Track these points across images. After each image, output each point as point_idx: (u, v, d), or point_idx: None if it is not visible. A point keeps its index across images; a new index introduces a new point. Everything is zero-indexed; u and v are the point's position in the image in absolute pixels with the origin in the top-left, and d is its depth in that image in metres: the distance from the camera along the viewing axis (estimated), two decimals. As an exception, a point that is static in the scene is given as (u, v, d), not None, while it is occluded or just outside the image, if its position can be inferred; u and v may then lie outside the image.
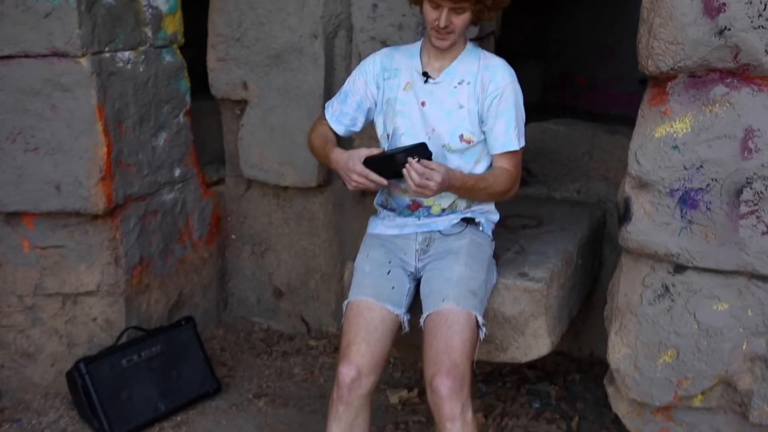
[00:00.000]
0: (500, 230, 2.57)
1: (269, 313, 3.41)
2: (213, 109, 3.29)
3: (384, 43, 2.87)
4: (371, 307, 2.06)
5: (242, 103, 3.13)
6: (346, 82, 2.29)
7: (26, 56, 2.52)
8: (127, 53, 2.72)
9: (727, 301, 1.98)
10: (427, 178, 1.96)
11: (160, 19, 2.87)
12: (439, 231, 2.20)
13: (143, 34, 2.79)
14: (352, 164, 2.05)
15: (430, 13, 2.07)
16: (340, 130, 2.28)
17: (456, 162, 2.16)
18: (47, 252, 2.72)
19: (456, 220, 2.21)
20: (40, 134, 2.58)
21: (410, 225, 2.22)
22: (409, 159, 1.98)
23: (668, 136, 1.95)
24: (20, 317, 2.78)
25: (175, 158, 3.00)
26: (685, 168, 1.94)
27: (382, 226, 2.26)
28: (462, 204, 2.22)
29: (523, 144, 2.18)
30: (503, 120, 2.13)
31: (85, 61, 2.53)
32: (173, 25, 2.95)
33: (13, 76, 2.54)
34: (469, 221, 2.22)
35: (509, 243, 2.51)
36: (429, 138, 2.15)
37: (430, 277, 2.13)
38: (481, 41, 2.91)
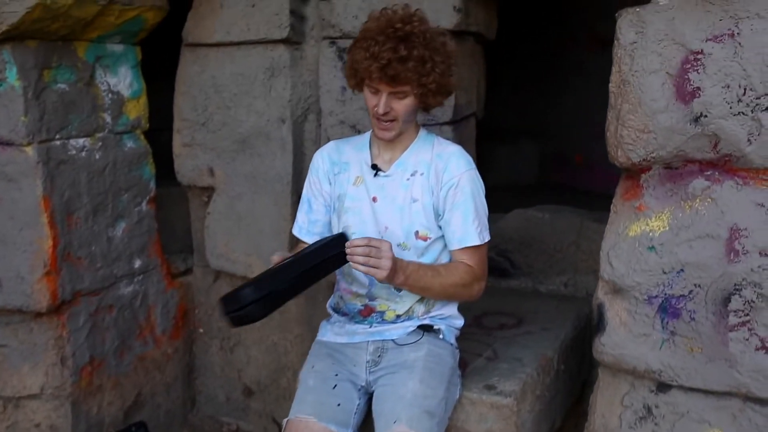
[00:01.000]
0: (474, 331, 2.34)
1: (239, 413, 3.16)
2: (184, 196, 3.13)
3: (353, 127, 2.71)
4: (312, 427, 1.82)
5: (209, 190, 2.97)
6: (304, 189, 2.11)
7: (-30, 145, 2.40)
8: (81, 140, 2.58)
9: (720, 426, 1.70)
10: (375, 248, 1.75)
11: (121, 105, 2.75)
12: (393, 340, 1.97)
13: (101, 119, 2.66)
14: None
15: (370, 99, 1.91)
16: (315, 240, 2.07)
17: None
18: (-11, 351, 2.53)
19: (412, 328, 1.97)
20: (-18, 226, 2.43)
21: (361, 333, 1.99)
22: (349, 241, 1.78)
23: (644, 236, 1.72)
24: (-42, 422, 2.57)
25: (135, 249, 2.82)
26: (664, 272, 1.70)
27: (331, 332, 2.04)
28: (420, 309, 1.99)
29: (486, 239, 1.96)
30: (460, 212, 1.92)
31: (30, 150, 2.39)
32: (137, 110, 2.82)
33: (-44, 167, 2.41)
34: (427, 329, 1.98)
35: (481, 347, 2.27)
36: (382, 236, 1.94)
37: (382, 394, 1.88)
38: (458, 124, 2.73)
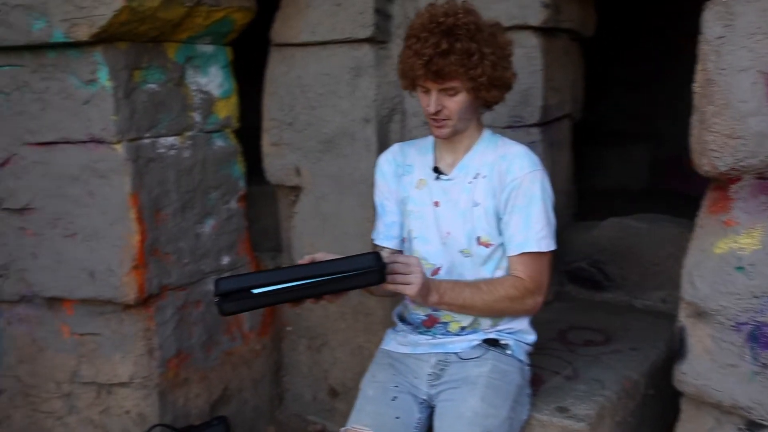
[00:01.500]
0: (556, 346, 2.20)
1: (325, 413, 3.15)
2: (275, 195, 3.15)
3: (439, 128, 2.62)
4: (369, 439, 1.76)
5: (296, 190, 2.97)
6: (374, 195, 2.06)
7: (67, 142, 2.51)
8: (170, 139, 2.64)
9: (816, 475, 1.49)
10: (402, 263, 1.66)
11: (211, 104, 2.79)
12: (456, 353, 1.87)
13: (191, 118, 2.72)
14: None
15: (422, 99, 1.83)
16: (395, 244, 2.01)
17: (475, 271, 1.85)
18: (85, 339, 2.65)
19: (476, 341, 1.86)
20: (78, 220, 2.54)
21: (423, 344, 1.90)
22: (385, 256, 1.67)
23: (731, 254, 1.53)
24: (58, 404, 2.71)
25: (223, 246, 2.87)
26: (755, 296, 1.51)
27: (395, 342, 1.97)
28: (486, 321, 1.88)
29: (548, 248, 1.81)
30: (520, 215, 1.80)
31: (120, 148, 2.47)
32: (227, 110, 2.86)
33: (55, 162, 2.52)
34: (492, 343, 1.87)
35: (561, 364, 2.12)
36: (444, 243, 1.85)
37: (442, 410, 1.79)
38: (547, 126, 2.58)
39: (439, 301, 1.76)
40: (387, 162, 2.01)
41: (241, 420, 3.01)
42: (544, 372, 2.05)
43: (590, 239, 2.56)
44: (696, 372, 1.58)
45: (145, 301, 2.58)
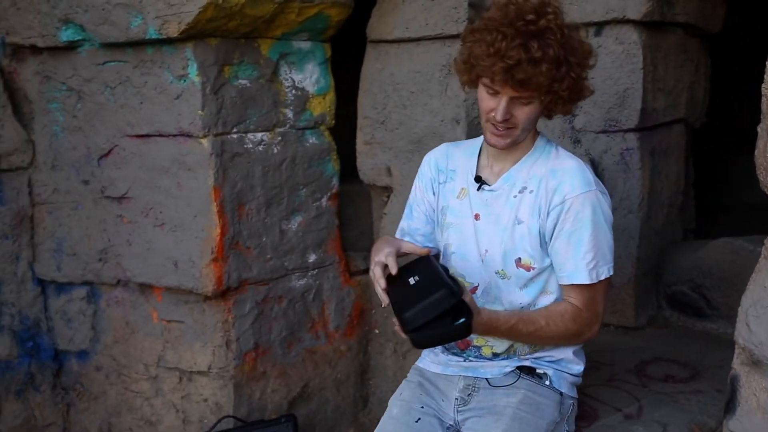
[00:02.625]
0: (629, 378, 1.98)
1: (409, 422, 3.05)
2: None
3: (528, 131, 2.44)
4: (387, 460, 1.65)
5: (388, 190, 2.90)
6: (411, 192, 1.93)
7: (160, 135, 2.60)
8: (259, 134, 2.67)
9: None
10: None
11: (305, 101, 2.79)
12: (487, 379, 1.70)
13: (282, 115, 2.73)
14: (377, 275, 1.66)
15: (487, 102, 1.62)
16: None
17: (513, 294, 1.67)
18: (171, 326, 2.75)
19: (510, 368, 1.69)
20: (167, 211, 2.63)
21: (454, 365, 1.76)
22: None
23: (796, 294, 1.26)
24: (146, 385, 2.84)
25: (310, 243, 2.86)
26: (819, 347, 1.23)
27: (428, 359, 1.84)
28: (524, 348, 1.70)
29: (601, 276, 1.60)
30: (570, 241, 1.60)
31: (206, 142, 2.53)
32: (322, 107, 2.84)
33: (149, 154, 2.63)
34: (528, 371, 1.68)
35: (627, 400, 1.89)
36: (482, 261, 1.69)
37: (466, 441, 1.65)
38: (649, 131, 2.32)
39: (499, 336, 1.62)
40: (428, 165, 1.87)
41: (321, 419, 2.99)
42: (603, 408, 1.83)
43: (695, 261, 2.26)
44: (745, 429, 1.32)
45: (223, 293, 2.63)
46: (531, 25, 1.53)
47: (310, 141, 2.83)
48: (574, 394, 1.74)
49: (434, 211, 1.84)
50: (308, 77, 2.81)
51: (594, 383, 1.98)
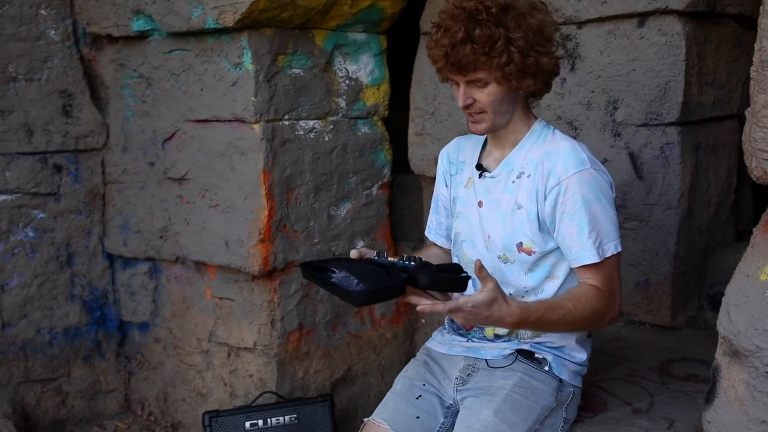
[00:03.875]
0: (650, 376, 1.93)
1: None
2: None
3: (570, 124, 2.42)
4: (384, 435, 1.69)
5: (436, 181, 2.92)
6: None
7: (217, 120, 2.74)
8: (311, 122, 2.76)
9: None
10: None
11: (358, 91, 2.86)
12: (486, 360, 1.71)
13: (334, 104, 2.81)
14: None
15: (456, 93, 1.70)
16: (445, 243, 1.94)
17: (519, 278, 1.68)
18: (222, 303, 2.88)
19: (509, 351, 1.69)
20: (221, 192, 2.77)
21: (457, 345, 1.78)
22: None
23: (778, 283, 1.21)
24: (198, 359, 2.99)
25: (358, 230, 2.93)
26: (798, 339, 1.18)
27: (436, 339, 1.86)
28: (526, 332, 1.70)
29: (609, 253, 1.59)
30: (572, 223, 1.60)
31: (258, 128, 2.64)
32: (375, 97, 2.91)
33: (207, 138, 2.78)
34: (527, 355, 1.68)
35: (641, 395, 1.85)
36: (487, 247, 1.71)
37: (459, 419, 1.67)
38: (692, 126, 2.26)
39: (531, 327, 1.62)
40: (441, 159, 1.93)
41: (364, 403, 3.04)
42: (614, 401, 1.79)
43: (737, 261, 2.16)
44: (722, 422, 1.27)
45: (270, 273, 2.73)
46: (464, 11, 1.60)
47: (363, 130, 2.89)
48: (577, 383, 1.72)
49: (449, 202, 1.89)
50: (363, 68, 2.88)
51: (611, 377, 1.94)
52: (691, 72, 2.18)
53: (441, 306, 1.45)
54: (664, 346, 2.14)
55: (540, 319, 1.55)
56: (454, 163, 1.88)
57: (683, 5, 2.12)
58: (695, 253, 2.32)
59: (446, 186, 1.89)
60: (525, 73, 1.61)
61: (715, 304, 2.28)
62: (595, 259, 1.59)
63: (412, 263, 1.52)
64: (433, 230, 1.96)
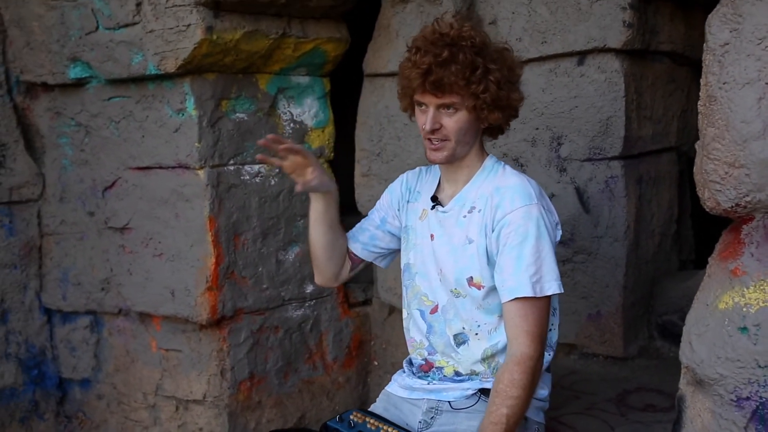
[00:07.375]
0: (608, 407, 1.94)
1: (408, 456, 3.02)
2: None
3: (516, 161, 2.45)
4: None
5: (384, 222, 2.91)
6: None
7: (160, 167, 2.69)
8: (257, 167, 2.73)
9: None
10: None
11: (303, 134, 2.85)
12: (449, 402, 1.69)
13: (279, 147, 2.78)
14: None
15: (419, 118, 1.70)
16: (357, 248, 1.91)
17: (471, 314, 1.67)
18: (169, 354, 2.79)
19: (472, 391, 1.68)
20: (166, 241, 2.70)
21: (418, 389, 1.75)
22: None
23: (736, 310, 1.24)
24: (144, 414, 2.87)
25: (307, 274, 2.88)
26: (759, 365, 1.20)
27: (396, 384, 1.83)
28: (486, 371, 1.68)
29: (545, 292, 1.58)
30: (510, 256, 1.60)
31: (202, 173, 2.59)
32: (320, 140, 2.90)
33: (149, 186, 2.71)
34: (489, 393, 1.66)
35: (602, 428, 1.85)
36: (440, 280, 1.70)
37: (425, 465, 1.63)
38: (634, 159, 2.32)
39: None
40: (400, 182, 1.91)
41: (319, 452, 2.97)
42: (573, 434, 1.79)
43: (684, 290, 2.22)
44: (691, 453, 1.28)
45: (218, 322, 2.66)
46: (445, 37, 1.63)
47: (308, 173, 2.87)
48: (540, 419, 1.71)
49: (395, 218, 1.88)
50: (307, 111, 2.87)
51: (571, 411, 1.95)
52: (631, 107, 2.25)
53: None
54: (619, 377, 2.16)
55: (509, 426, 1.52)
56: (411, 190, 1.88)
57: (620, 43, 2.20)
58: (643, 283, 2.37)
59: (398, 210, 1.88)
60: (496, 106, 1.63)
61: (665, 333, 2.33)
62: (530, 294, 1.57)
63: None
64: (353, 234, 1.93)
